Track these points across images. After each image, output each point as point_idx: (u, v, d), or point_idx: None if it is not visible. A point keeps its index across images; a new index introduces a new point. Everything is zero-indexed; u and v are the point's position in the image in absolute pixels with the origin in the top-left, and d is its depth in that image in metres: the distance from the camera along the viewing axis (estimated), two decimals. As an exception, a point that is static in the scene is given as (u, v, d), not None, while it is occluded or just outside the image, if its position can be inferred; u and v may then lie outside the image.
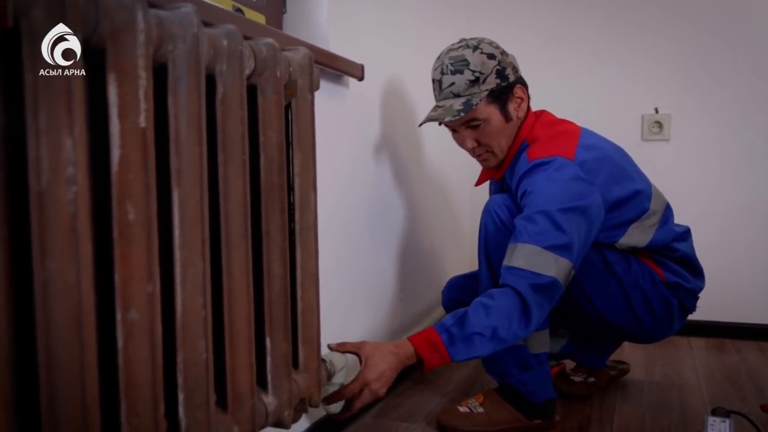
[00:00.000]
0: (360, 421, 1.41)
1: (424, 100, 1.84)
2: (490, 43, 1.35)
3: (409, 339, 1.20)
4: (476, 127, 1.35)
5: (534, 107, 1.45)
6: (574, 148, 1.30)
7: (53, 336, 0.58)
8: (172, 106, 0.72)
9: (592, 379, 1.60)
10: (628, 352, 1.94)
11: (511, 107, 1.36)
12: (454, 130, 1.40)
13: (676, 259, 1.43)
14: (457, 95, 1.32)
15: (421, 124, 1.40)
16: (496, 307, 1.17)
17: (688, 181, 2.09)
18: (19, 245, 0.58)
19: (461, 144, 1.40)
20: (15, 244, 0.58)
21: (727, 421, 1.26)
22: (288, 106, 1.00)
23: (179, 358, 0.74)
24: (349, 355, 1.25)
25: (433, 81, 1.37)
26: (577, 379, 1.60)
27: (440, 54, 1.37)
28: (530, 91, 1.42)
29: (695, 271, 1.47)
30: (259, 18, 1.26)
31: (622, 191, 1.33)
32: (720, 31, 2.08)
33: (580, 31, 2.21)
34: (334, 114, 1.31)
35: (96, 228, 0.65)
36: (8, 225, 0.57)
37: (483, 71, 1.31)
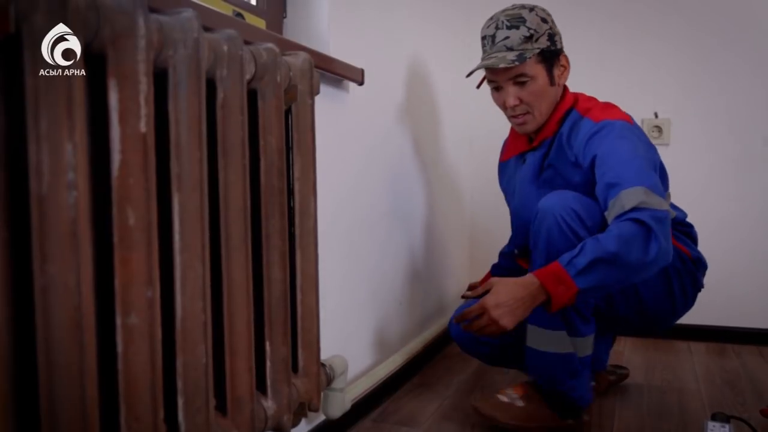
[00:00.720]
0: (360, 424, 1.41)
1: (425, 104, 1.85)
2: (543, 10, 1.41)
3: (534, 273, 1.18)
4: (522, 84, 1.37)
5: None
6: (629, 117, 1.37)
7: (53, 340, 0.58)
8: (172, 110, 0.72)
9: (592, 383, 1.60)
10: (628, 356, 1.94)
11: (556, 72, 1.40)
12: (497, 88, 1.42)
13: (688, 235, 1.47)
14: (510, 49, 1.36)
15: (470, 74, 1.42)
16: (617, 234, 1.15)
17: (687, 185, 2.09)
18: (20, 249, 0.58)
19: (503, 102, 1.41)
20: (15, 248, 0.58)
21: (727, 426, 1.26)
22: (288, 111, 1.00)
23: (179, 362, 0.74)
24: (348, 359, 1.25)
25: (485, 37, 1.40)
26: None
27: (493, 15, 1.41)
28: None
29: (697, 245, 1.51)
30: (260, 22, 1.26)
31: (659, 162, 1.39)
32: (720, 35, 2.08)
33: (580, 35, 2.21)
34: (335, 118, 1.31)
35: (96, 232, 0.65)
36: (8, 229, 0.58)
37: (537, 30, 1.36)
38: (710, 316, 2.09)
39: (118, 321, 0.66)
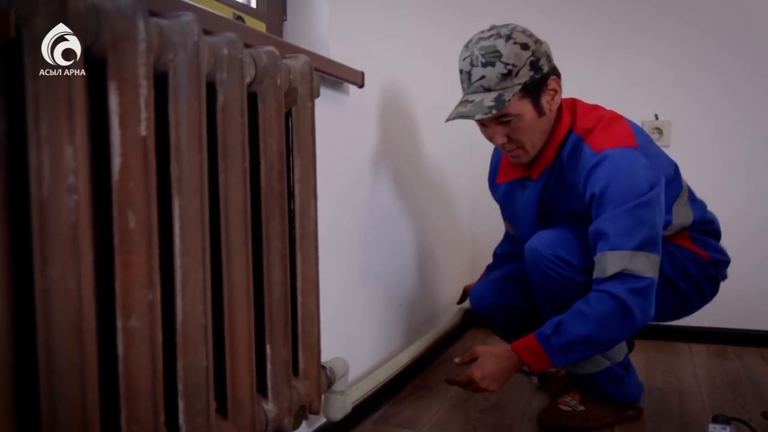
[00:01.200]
0: (360, 427, 1.40)
1: (425, 106, 1.85)
2: (523, 32, 1.26)
3: (513, 348, 1.25)
4: (507, 122, 1.26)
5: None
6: (632, 135, 1.28)
7: (54, 343, 0.58)
8: (172, 114, 0.72)
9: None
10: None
11: (545, 101, 1.28)
12: (482, 124, 1.32)
13: (710, 232, 1.44)
14: (487, 89, 1.24)
15: (448, 120, 1.30)
16: (593, 315, 1.18)
17: (688, 187, 2.09)
18: (20, 253, 0.58)
19: (490, 139, 1.32)
20: (16, 251, 0.58)
21: (728, 428, 1.26)
22: (288, 114, 1.00)
23: (179, 365, 0.74)
24: (349, 362, 1.25)
25: (461, 72, 1.28)
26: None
27: (468, 42, 1.28)
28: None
29: (720, 237, 1.48)
30: (260, 26, 1.27)
31: (669, 170, 1.34)
32: (721, 37, 2.08)
33: (581, 36, 2.22)
34: (335, 121, 1.31)
35: (97, 236, 0.65)
36: (9, 232, 0.58)
37: (516, 64, 1.22)
38: (711, 317, 2.08)
39: (119, 324, 0.66)
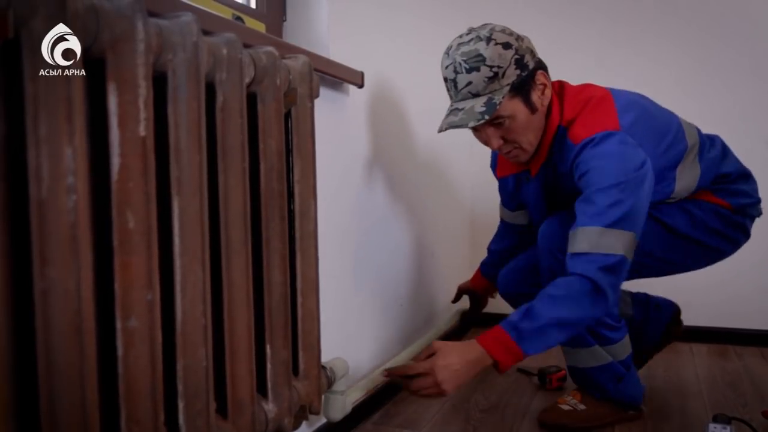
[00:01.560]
0: (361, 427, 1.40)
1: (425, 106, 1.85)
2: (503, 31, 1.23)
3: (477, 341, 1.14)
4: (500, 124, 1.24)
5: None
6: (615, 115, 1.25)
7: (53, 344, 0.58)
8: (171, 114, 0.72)
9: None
10: (630, 358, 1.93)
11: (535, 96, 1.26)
12: (475, 129, 1.28)
13: (732, 181, 1.42)
14: (476, 95, 1.22)
15: (441, 131, 1.26)
16: (563, 296, 1.14)
17: (688, 187, 2.09)
18: (20, 253, 0.58)
19: (485, 143, 1.29)
20: (15, 252, 0.58)
21: (729, 427, 1.26)
22: (288, 114, 1.00)
23: (179, 365, 0.74)
24: (349, 362, 1.25)
25: (446, 80, 1.26)
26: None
27: (448, 49, 1.25)
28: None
29: (748, 177, 1.45)
30: (259, 26, 1.27)
31: (666, 140, 1.31)
32: (721, 37, 2.08)
33: (581, 36, 2.21)
34: (335, 121, 1.31)
35: (96, 236, 0.65)
36: (9, 233, 0.58)
37: (501, 64, 1.20)
38: (712, 317, 2.09)
39: (119, 324, 0.66)
